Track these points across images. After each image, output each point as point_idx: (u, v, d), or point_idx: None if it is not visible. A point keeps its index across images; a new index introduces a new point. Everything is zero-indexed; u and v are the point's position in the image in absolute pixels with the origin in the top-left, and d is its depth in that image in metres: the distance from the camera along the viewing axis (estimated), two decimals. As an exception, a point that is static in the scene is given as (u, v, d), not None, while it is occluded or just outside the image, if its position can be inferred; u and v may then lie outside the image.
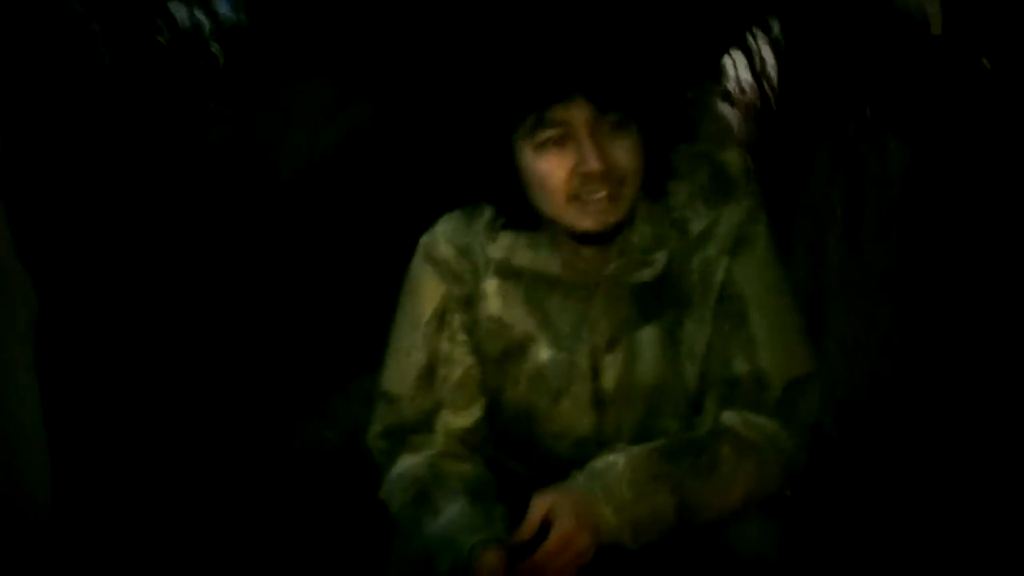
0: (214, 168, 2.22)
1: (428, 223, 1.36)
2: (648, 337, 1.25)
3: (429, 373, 1.31)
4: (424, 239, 1.33)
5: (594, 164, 1.11)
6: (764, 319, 1.23)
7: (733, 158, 1.28)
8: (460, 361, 1.31)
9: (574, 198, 1.15)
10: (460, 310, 1.31)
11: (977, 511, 1.81)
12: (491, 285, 1.29)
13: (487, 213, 1.30)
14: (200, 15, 2.48)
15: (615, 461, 1.14)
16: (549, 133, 1.14)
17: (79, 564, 1.63)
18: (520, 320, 1.28)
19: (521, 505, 1.15)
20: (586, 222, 1.16)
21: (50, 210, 2.25)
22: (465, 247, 1.31)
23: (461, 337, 1.31)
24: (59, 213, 2.29)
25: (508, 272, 1.28)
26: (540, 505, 1.10)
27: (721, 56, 1.94)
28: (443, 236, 1.32)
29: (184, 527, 1.92)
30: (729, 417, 1.21)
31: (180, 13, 2.48)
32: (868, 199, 1.97)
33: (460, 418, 1.31)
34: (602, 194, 1.14)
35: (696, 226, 1.24)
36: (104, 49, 2.37)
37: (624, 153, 1.15)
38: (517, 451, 1.35)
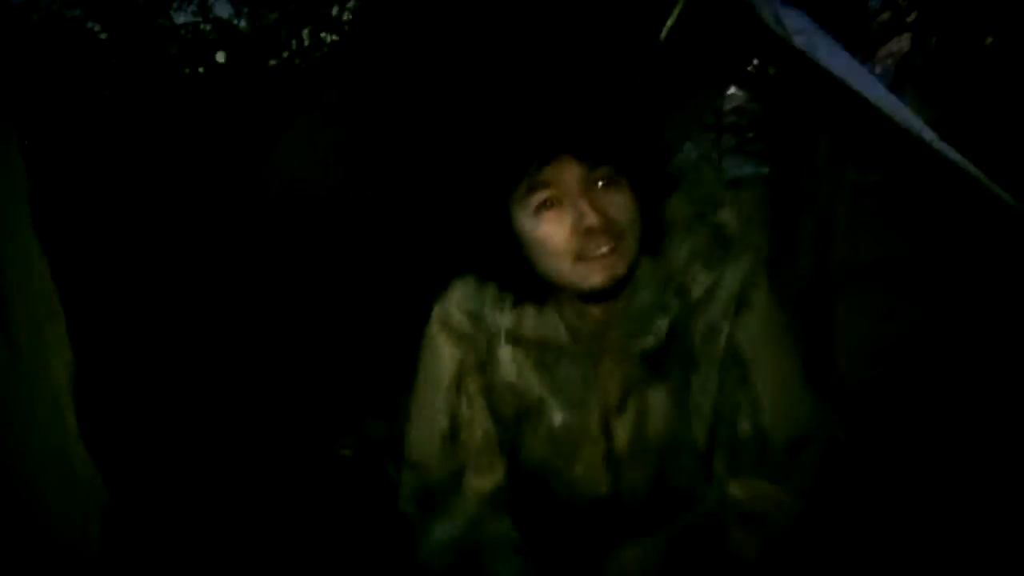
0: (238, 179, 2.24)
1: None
2: (657, 398, 1.27)
3: (452, 437, 1.33)
4: (437, 307, 1.34)
5: (592, 219, 1.12)
6: (766, 380, 1.24)
7: (729, 218, 1.28)
8: (480, 424, 1.33)
9: (579, 257, 1.16)
10: (476, 375, 1.33)
11: (973, 509, 1.84)
12: (504, 351, 1.31)
13: (490, 285, 1.31)
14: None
15: (630, 559, 1.21)
16: (543, 195, 1.15)
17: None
18: (532, 385, 1.31)
19: (546, 557, 1.24)
20: (595, 279, 1.16)
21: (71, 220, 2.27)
22: (477, 314, 1.32)
23: (479, 401, 1.33)
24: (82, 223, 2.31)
25: (518, 340, 1.31)
26: None
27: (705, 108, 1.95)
28: (456, 304, 1.33)
29: (204, 538, 1.97)
30: (734, 488, 1.24)
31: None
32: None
33: (485, 480, 1.33)
34: (605, 248, 1.14)
35: (697, 291, 1.25)
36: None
37: (618, 207, 1.15)
38: (536, 509, 1.37)
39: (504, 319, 1.31)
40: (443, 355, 1.33)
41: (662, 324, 1.25)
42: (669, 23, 1.32)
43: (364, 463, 2.29)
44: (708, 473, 1.30)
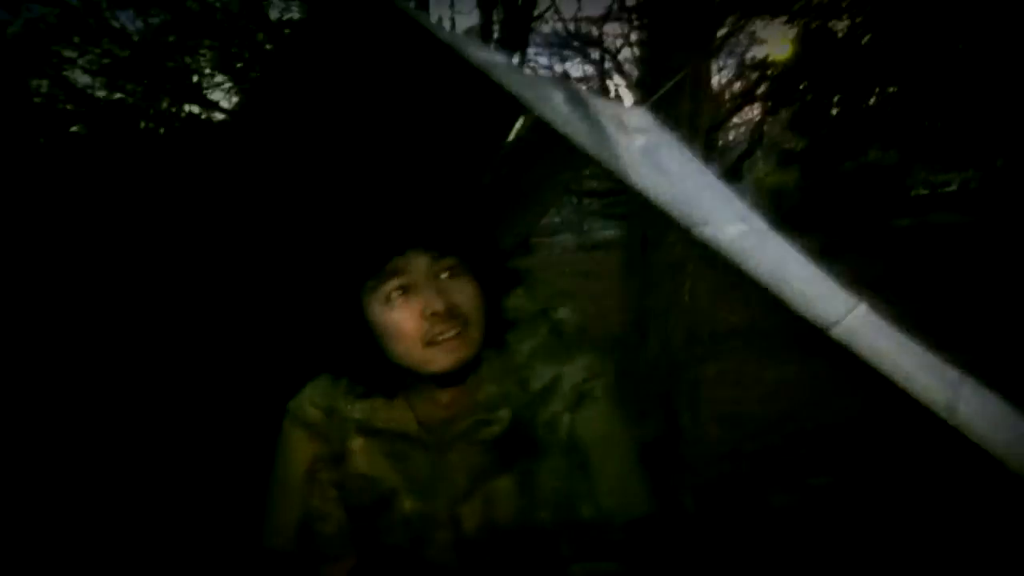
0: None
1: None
2: (504, 485, 1.33)
3: (305, 529, 1.34)
4: (291, 404, 1.39)
5: (439, 304, 1.22)
6: (605, 467, 1.32)
7: (568, 316, 1.36)
8: (332, 515, 1.35)
9: (428, 342, 1.23)
10: (328, 468, 1.36)
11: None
12: (357, 443, 1.36)
13: (343, 381, 1.34)
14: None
15: None
16: (393, 283, 1.25)
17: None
18: (384, 475, 1.35)
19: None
20: (442, 361, 1.25)
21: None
22: (330, 409, 1.37)
23: (331, 493, 1.37)
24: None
25: (370, 431, 1.33)
26: None
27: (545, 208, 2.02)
28: (309, 400, 1.38)
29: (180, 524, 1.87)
30: (578, 571, 1.27)
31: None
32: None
33: (336, 569, 1.34)
34: (451, 333, 1.24)
35: (536, 383, 1.32)
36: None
37: (463, 295, 1.27)
38: None
39: (356, 412, 1.35)
40: (296, 449, 1.39)
41: (505, 414, 1.31)
42: (516, 131, 1.38)
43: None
44: (556, 556, 1.32)
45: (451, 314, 1.22)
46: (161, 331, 1.93)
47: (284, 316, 1.48)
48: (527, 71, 1.06)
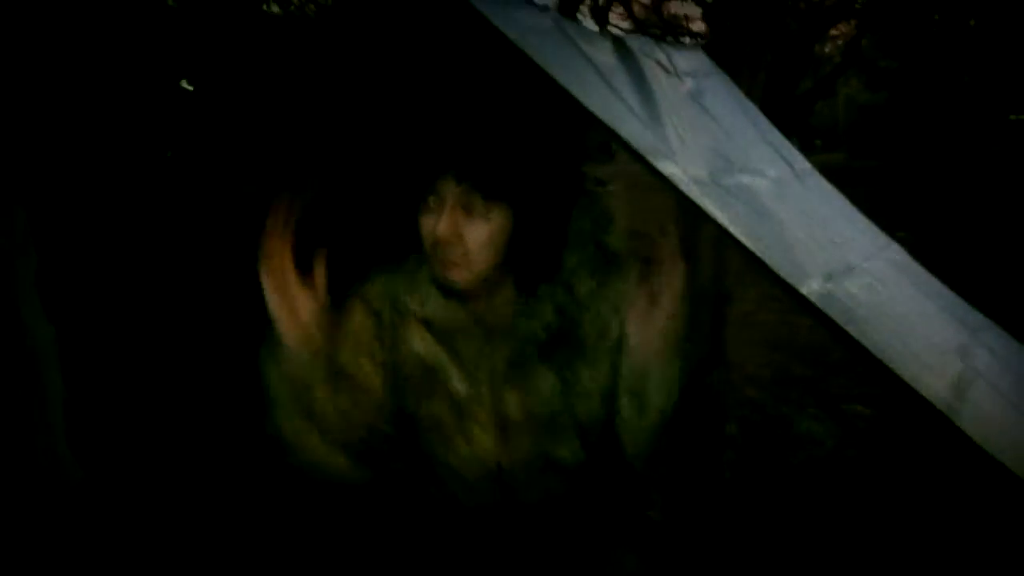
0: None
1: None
2: (544, 377, 1.46)
3: (336, 373, 1.45)
4: (360, 289, 1.51)
5: (441, 231, 1.33)
6: (641, 367, 1.41)
7: (614, 239, 1.47)
8: (367, 371, 1.48)
9: (432, 255, 1.37)
10: (376, 344, 1.50)
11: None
12: (413, 328, 1.48)
13: (409, 267, 1.48)
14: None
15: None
16: (429, 200, 1.36)
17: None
18: (435, 357, 1.48)
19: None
20: (441, 274, 1.38)
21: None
22: (390, 293, 1.49)
23: (372, 364, 1.49)
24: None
25: (426, 318, 1.47)
26: None
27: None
28: (374, 284, 1.52)
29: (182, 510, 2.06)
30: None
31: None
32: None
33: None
34: (447, 257, 1.35)
35: (582, 288, 1.43)
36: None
37: (475, 232, 1.35)
38: (429, 476, 1.53)
39: (414, 301, 1.47)
40: (353, 319, 1.49)
41: (547, 311, 1.41)
42: None
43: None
44: (590, 452, 1.46)
45: (449, 243, 1.34)
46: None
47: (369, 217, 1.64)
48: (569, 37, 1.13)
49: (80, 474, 0.98)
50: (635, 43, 1.46)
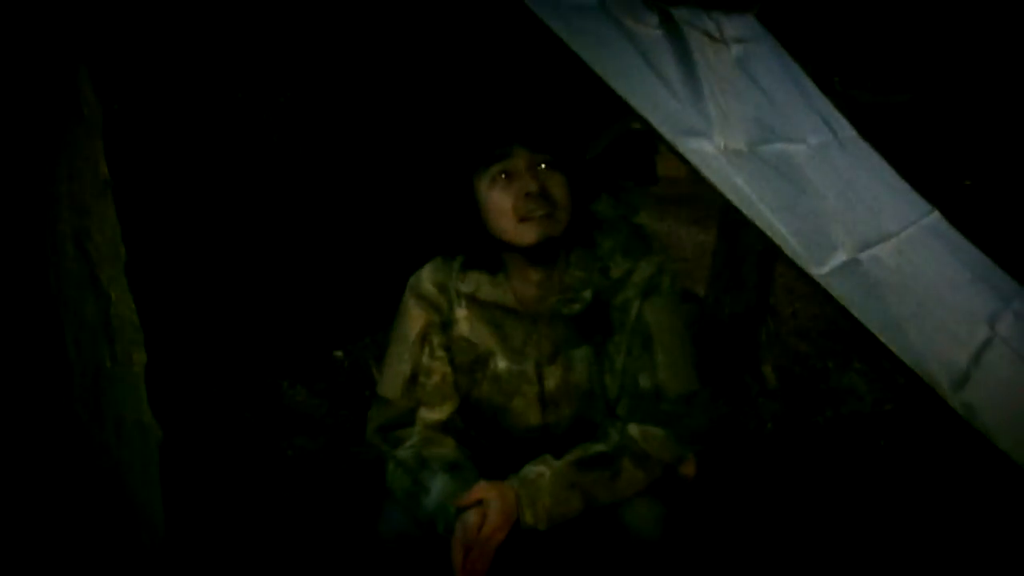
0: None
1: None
2: (580, 354, 1.57)
3: (412, 381, 1.61)
4: (412, 279, 1.63)
5: (533, 187, 1.44)
6: (663, 348, 1.53)
7: (646, 221, 1.57)
8: (437, 370, 1.62)
9: (521, 218, 1.46)
10: (438, 332, 1.61)
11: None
12: (462, 313, 1.60)
13: (458, 260, 1.58)
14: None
15: (541, 473, 1.45)
16: (497, 167, 1.46)
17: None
18: (483, 339, 1.59)
19: (490, 467, 1.52)
20: (531, 234, 1.46)
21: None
22: (442, 284, 1.61)
23: (439, 353, 1.62)
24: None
25: (474, 303, 1.58)
26: (480, 491, 1.42)
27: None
28: (426, 277, 1.63)
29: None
30: (632, 429, 1.51)
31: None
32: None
33: (435, 413, 1.63)
34: (541, 212, 1.45)
35: (616, 272, 1.54)
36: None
37: (555, 184, 1.47)
38: (486, 434, 1.67)
39: (465, 287, 1.58)
40: (412, 316, 1.62)
41: (587, 295, 1.53)
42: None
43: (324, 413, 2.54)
44: (615, 416, 1.56)
45: (543, 195, 1.44)
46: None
47: (415, 207, 1.73)
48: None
49: (160, 435, 1.10)
50: (682, 13, 1.50)
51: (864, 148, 1.77)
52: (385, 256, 1.80)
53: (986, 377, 1.26)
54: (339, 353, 2.78)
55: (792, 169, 1.39)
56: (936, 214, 1.73)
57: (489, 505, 1.40)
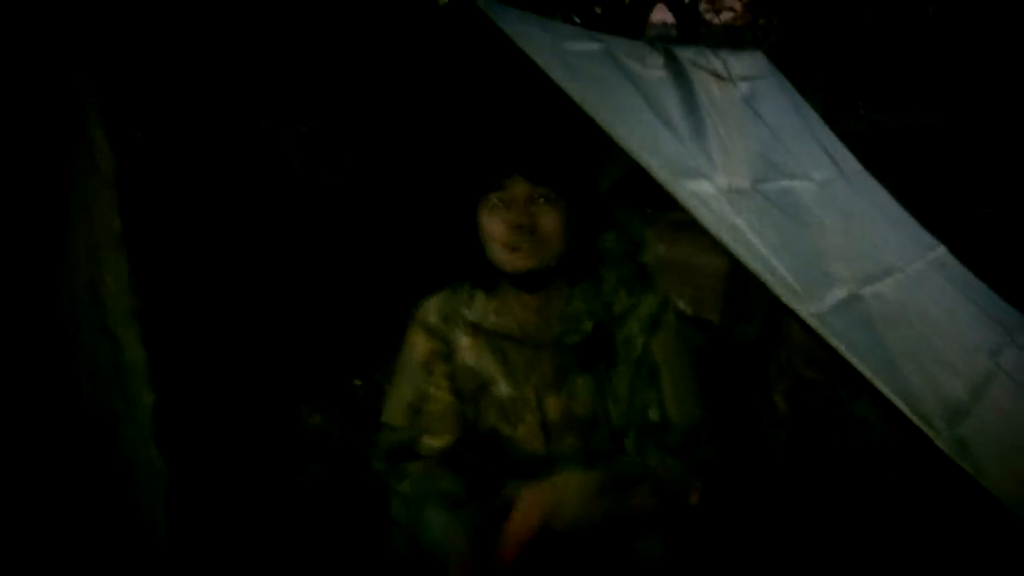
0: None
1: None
2: (583, 384, 1.59)
3: (416, 408, 1.64)
4: (415, 310, 1.65)
5: (524, 219, 1.44)
6: (670, 382, 1.55)
7: (650, 258, 1.59)
8: (440, 399, 1.64)
9: (510, 248, 1.47)
10: (442, 362, 1.64)
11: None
12: (466, 341, 1.62)
13: (463, 290, 1.61)
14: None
15: (570, 478, 1.48)
16: (496, 199, 1.47)
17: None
18: (486, 366, 1.61)
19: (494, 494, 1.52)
20: (516, 264, 1.47)
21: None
22: (447, 315, 1.63)
23: (443, 383, 1.64)
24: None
25: (479, 331, 1.61)
26: (521, 495, 1.42)
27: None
28: (430, 307, 1.65)
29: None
30: (654, 458, 1.53)
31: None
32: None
33: (438, 441, 1.64)
34: (526, 244, 1.45)
35: (619, 308, 1.56)
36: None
37: (549, 219, 1.46)
38: (492, 465, 1.68)
39: (470, 315, 1.61)
40: (416, 345, 1.64)
41: (588, 326, 1.56)
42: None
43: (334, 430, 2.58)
44: (620, 447, 1.59)
45: (531, 230, 1.46)
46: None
47: (418, 237, 1.77)
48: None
49: (166, 470, 1.14)
50: (688, 54, 1.54)
51: (869, 182, 1.80)
52: (406, 285, 1.84)
53: (986, 410, 1.28)
54: (358, 381, 2.82)
55: (795, 206, 1.42)
56: (942, 249, 1.75)
57: (523, 509, 1.43)
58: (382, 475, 1.65)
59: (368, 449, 1.68)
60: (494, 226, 1.50)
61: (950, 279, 1.66)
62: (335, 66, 2.03)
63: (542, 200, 1.47)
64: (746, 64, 1.76)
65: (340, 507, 2.15)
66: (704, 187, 1.15)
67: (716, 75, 1.59)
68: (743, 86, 1.69)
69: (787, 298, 1.03)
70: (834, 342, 1.00)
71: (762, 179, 1.43)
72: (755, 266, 1.04)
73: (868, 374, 0.98)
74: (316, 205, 2.66)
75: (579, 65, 1.11)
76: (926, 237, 1.76)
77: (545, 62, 0.99)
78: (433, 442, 1.65)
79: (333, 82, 2.09)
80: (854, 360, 0.98)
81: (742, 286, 2.80)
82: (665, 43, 1.49)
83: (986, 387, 1.35)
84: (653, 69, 1.39)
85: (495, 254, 1.52)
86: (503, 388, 1.61)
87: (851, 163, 1.80)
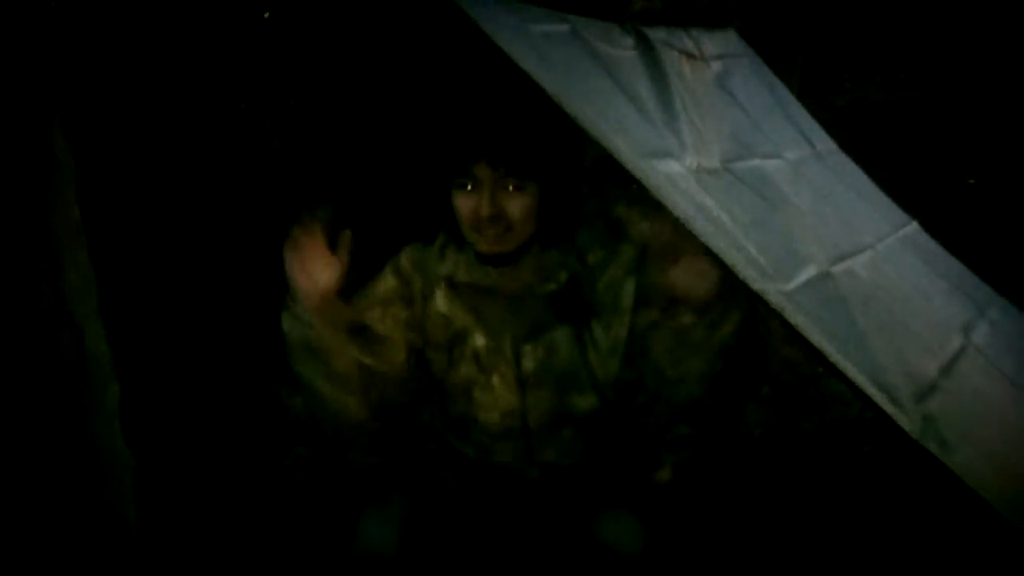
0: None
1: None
2: (560, 335, 1.60)
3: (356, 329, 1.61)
4: (392, 258, 1.66)
5: (484, 211, 1.47)
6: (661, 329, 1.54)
7: (622, 212, 1.59)
8: (391, 338, 1.63)
9: (474, 229, 1.51)
10: (401, 304, 1.65)
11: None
12: (441, 290, 1.63)
13: (438, 242, 1.62)
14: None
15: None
16: (464, 182, 1.50)
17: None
18: (461, 317, 1.63)
19: (468, 481, 1.59)
20: (481, 247, 1.53)
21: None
22: (420, 263, 1.66)
23: (390, 323, 1.63)
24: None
25: (453, 282, 1.61)
26: None
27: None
28: (405, 254, 1.68)
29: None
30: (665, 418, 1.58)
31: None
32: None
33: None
34: (491, 232, 1.49)
35: (592, 259, 1.59)
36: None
37: (517, 206, 1.48)
38: (460, 428, 1.69)
39: (443, 268, 1.63)
40: (383, 281, 1.67)
41: (562, 277, 1.58)
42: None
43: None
44: (605, 405, 1.58)
45: (495, 217, 1.47)
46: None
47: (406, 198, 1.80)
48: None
49: (133, 461, 1.14)
50: (659, 34, 1.53)
51: (843, 160, 1.80)
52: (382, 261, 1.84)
53: (956, 386, 1.28)
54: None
55: (766, 185, 1.42)
56: (914, 224, 1.75)
57: None
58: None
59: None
60: (463, 208, 1.51)
61: (922, 255, 1.67)
62: (308, 52, 2.03)
63: (511, 186, 1.47)
64: (719, 43, 1.75)
65: (327, 489, 2.15)
66: (673, 167, 1.14)
67: (688, 55, 1.58)
68: (716, 65, 1.68)
69: (753, 279, 1.03)
70: (799, 320, 0.99)
71: (733, 159, 1.42)
72: (721, 245, 1.04)
73: (831, 352, 0.98)
74: (295, 183, 2.65)
75: (547, 47, 1.10)
76: (899, 214, 1.76)
77: (512, 48, 0.98)
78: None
79: (307, 68, 2.09)
80: (817, 338, 0.98)
81: (724, 264, 2.79)
82: (635, 23, 1.48)
83: (956, 363, 1.36)
84: (623, 50, 1.38)
85: (466, 233, 1.53)
86: (478, 339, 1.62)
87: (825, 143, 1.80)
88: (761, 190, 1.37)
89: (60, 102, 1.00)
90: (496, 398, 1.62)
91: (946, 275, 1.66)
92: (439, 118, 1.60)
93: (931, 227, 1.79)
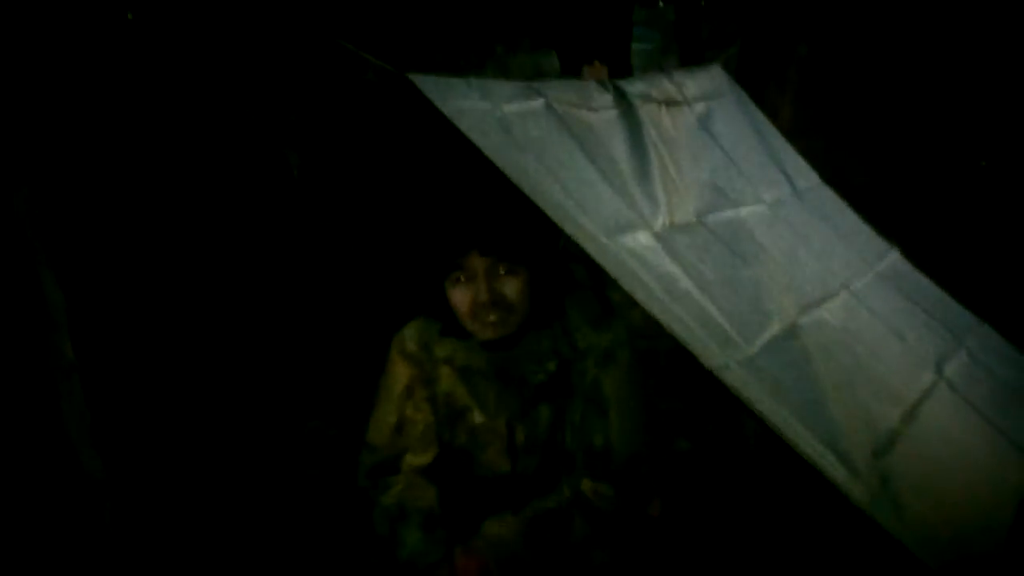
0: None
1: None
2: (544, 413, 1.70)
3: (398, 429, 1.74)
4: (396, 338, 1.75)
5: (483, 297, 1.54)
6: (617, 414, 1.65)
7: (614, 295, 1.65)
8: (421, 420, 1.74)
9: (473, 319, 1.57)
10: (421, 386, 1.73)
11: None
12: (443, 371, 1.72)
13: (438, 325, 1.70)
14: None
15: (501, 525, 1.61)
16: (458, 275, 1.56)
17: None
18: (461, 396, 1.72)
19: (465, 514, 1.67)
20: (483, 334, 1.59)
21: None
22: (424, 344, 1.73)
23: (423, 406, 1.74)
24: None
25: (452, 365, 1.69)
26: (459, 560, 1.60)
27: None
28: (409, 336, 1.75)
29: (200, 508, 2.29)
30: (585, 484, 1.64)
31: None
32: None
33: (419, 458, 1.76)
34: (492, 318, 1.55)
35: (582, 343, 1.65)
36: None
37: (511, 290, 1.55)
38: (462, 481, 1.79)
39: (442, 351, 1.69)
40: (398, 371, 1.75)
41: (551, 366, 1.65)
42: None
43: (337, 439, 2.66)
44: (571, 467, 1.68)
45: (494, 303, 1.53)
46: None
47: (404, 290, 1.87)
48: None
49: (102, 471, 1.20)
50: (639, 86, 1.57)
51: (824, 196, 1.83)
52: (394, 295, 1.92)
53: (920, 431, 1.32)
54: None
55: (740, 237, 1.46)
56: (895, 254, 1.78)
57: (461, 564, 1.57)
58: (367, 490, 1.74)
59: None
60: (459, 300, 1.58)
61: (901, 287, 1.70)
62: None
63: (503, 271, 1.54)
64: (703, 83, 1.78)
65: (337, 510, 2.23)
66: (640, 240, 1.19)
67: (669, 102, 1.62)
68: (699, 107, 1.72)
69: (712, 355, 1.07)
70: (751, 394, 1.04)
71: (708, 210, 1.47)
72: (681, 320, 1.08)
73: (783, 430, 1.03)
74: (316, 209, 2.71)
75: (519, 127, 1.15)
76: (879, 244, 1.79)
77: (473, 133, 1.03)
78: (415, 459, 1.75)
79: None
80: (770, 413, 1.03)
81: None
82: (615, 80, 1.52)
83: (922, 404, 1.40)
84: (601, 111, 1.42)
85: (464, 323, 1.59)
86: (477, 417, 1.72)
87: (805, 179, 1.83)
88: (734, 245, 1.41)
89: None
90: (491, 465, 1.73)
91: (924, 306, 1.69)
92: (424, 213, 1.67)
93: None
